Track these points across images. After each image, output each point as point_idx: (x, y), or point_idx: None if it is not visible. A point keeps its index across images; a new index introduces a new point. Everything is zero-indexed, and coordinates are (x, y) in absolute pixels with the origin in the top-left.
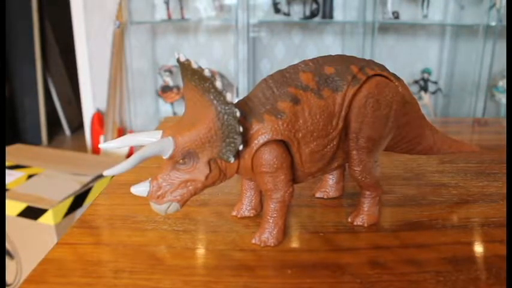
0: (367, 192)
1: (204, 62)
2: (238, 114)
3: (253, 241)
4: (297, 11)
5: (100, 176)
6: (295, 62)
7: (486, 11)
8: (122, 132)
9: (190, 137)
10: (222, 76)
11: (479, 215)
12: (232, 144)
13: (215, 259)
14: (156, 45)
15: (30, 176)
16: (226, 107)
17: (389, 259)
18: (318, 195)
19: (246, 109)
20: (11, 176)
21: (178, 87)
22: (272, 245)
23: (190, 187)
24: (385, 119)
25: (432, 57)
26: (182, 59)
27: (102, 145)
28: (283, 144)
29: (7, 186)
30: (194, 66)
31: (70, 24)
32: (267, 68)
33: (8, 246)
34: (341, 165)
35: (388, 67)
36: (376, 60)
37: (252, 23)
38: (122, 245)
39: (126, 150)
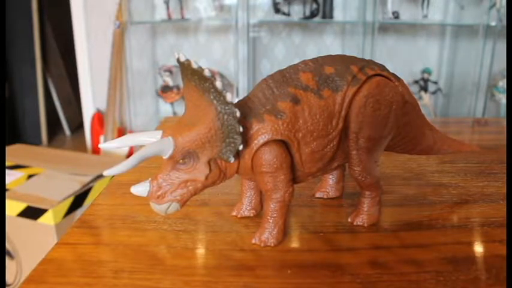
0: (367, 192)
1: (204, 62)
2: (238, 114)
3: (253, 241)
4: (297, 11)
5: (100, 176)
6: (295, 62)
7: (486, 11)
8: (121, 132)
9: (190, 137)
10: (222, 76)
11: (479, 215)
12: (232, 144)
13: (215, 259)
14: (156, 45)
15: (30, 176)
16: (226, 107)
17: (390, 259)
18: (318, 195)
19: (246, 109)
20: (11, 176)
21: (178, 87)
22: (272, 245)
23: (190, 187)
24: (385, 119)
25: (432, 57)
26: (182, 59)
27: (102, 145)
28: (283, 144)
29: (7, 186)
30: (194, 66)
31: (70, 25)
32: (267, 68)
33: (8, 246)
34: (341, 165)
35: (388, 67)
36: (376, 60)
37: (252, 23)
38: (122, 245)
39: (126, 150)
